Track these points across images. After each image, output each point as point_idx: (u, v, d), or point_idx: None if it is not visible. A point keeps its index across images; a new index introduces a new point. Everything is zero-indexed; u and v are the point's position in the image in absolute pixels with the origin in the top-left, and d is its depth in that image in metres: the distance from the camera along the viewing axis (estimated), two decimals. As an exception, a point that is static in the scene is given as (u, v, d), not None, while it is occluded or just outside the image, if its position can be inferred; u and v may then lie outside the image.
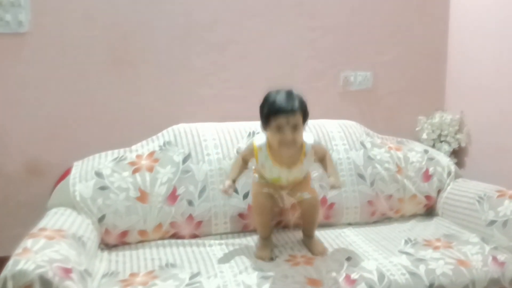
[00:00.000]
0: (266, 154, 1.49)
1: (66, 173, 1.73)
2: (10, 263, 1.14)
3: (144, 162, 1.73)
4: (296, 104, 1.40)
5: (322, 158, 1.57)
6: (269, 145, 1.49)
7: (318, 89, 2.22)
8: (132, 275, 1.39)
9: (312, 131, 1.93)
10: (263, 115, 1.44)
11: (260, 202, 1.58)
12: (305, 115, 1.44)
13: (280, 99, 1.39)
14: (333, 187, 1.49)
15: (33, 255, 1.18)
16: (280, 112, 1.38)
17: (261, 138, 1.53)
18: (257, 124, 1.89)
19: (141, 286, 1.31)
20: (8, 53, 1.88)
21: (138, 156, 1.75)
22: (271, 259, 1.49)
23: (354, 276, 1.38)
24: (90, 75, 1.97)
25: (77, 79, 1.96)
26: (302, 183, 1.58)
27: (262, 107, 1.45)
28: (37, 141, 1.94)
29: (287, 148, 1.43)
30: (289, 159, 1.49)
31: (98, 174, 1.67)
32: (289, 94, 1.41)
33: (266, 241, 1.58)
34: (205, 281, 1.33)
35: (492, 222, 1.65)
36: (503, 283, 1.45)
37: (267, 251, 1.53)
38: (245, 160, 1.58)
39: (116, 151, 1.78)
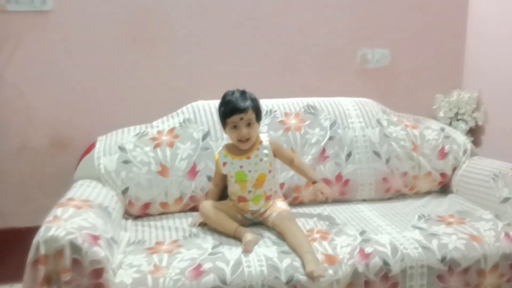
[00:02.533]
0: (224, 153, 1.62)
1: (91, 147, 1.79)
2: (42, 230, 1.21)
3: (165, 138, 1.78)
4: (248, 103, 1.55)
5: (290, 160, 1.67)
6: (226, 146, 1.64)
7: (334, 66, 2.22)
8: (158, 243, 1.46)
9: (328, 109, 1.95)
10: (220, 116, 1.59)
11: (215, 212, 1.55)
12: (258, 112, 1.58)
13: (234, 100, 1.54)
14: (320, 190, 1.63)
15: (63, 222, 1.25)
16: (234, 112, 1.53)
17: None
18: (273, 102, 1.93)
19: (167, 254, 1.37)
20: (32, 30, 1.93)
21: (159, 132, 1.80)
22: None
23: (368, 249, 1.42)
24: (111, 52, 2.01)
25: (99, 56, 2.00)
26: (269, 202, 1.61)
27: (219, 108, 1.59)
28: (62, 116, 2.01)
29: (245, 143, 1.57)
30: (246, 150, 1.59)
31: (122, 149, 1.73)
32: (242, 94, 1.57)
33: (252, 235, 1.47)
34: (227, 251, 1.39)
35: (506, 199, 1.66)
36: (514, 258, 1.48)
37: (251, 244, 1.43)
38: (216, 183, 1.68)
39: (138, 126, 1.83)
